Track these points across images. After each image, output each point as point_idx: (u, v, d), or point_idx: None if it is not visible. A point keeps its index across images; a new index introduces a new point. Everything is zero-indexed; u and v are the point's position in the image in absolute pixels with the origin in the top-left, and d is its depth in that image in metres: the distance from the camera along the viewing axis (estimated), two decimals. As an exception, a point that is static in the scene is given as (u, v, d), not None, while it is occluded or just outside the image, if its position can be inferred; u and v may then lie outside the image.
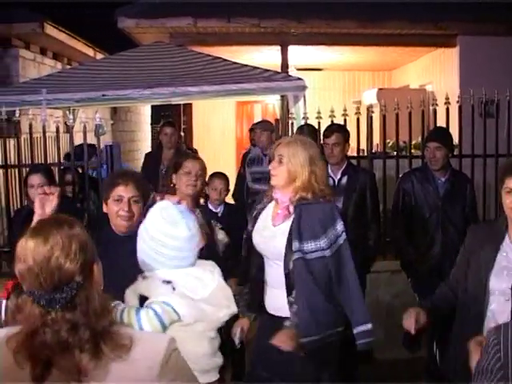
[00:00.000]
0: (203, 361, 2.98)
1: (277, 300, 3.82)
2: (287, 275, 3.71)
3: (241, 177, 8.06)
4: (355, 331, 3.75)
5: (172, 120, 9.34)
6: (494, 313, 3.36)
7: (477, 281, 3.42)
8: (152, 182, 6.11)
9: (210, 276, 2.98)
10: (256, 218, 3.95)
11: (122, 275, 2.97)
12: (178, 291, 2.87)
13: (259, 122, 8.57)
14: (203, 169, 4.52)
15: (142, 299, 2.91)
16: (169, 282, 2.88)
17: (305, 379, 3.74)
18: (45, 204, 3.24)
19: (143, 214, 3.29)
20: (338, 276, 3.72)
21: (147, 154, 8.50)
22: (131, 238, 3.36)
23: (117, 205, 3.55)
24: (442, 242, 5.60)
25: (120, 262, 3.10)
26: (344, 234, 3.74)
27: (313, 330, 3.68)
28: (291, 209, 3.76)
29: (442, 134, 5.76)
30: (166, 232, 2.90)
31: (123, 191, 3.55)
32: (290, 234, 3.72)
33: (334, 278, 3.71)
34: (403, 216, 5.77)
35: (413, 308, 3.59)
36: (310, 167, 3.73)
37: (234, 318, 3.89)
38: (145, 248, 2.95)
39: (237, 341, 3.94)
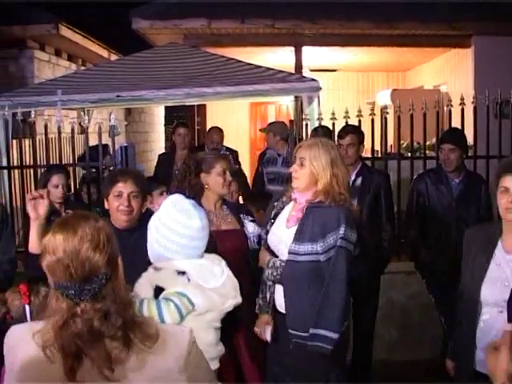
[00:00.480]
0: (210, 349, 3.06)
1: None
2: None
3: (259, 176, 8.03)
4: (312, 331, 3.65)
5: (185, 121, 9.38)
6: (486, 324, 3.32)
7: (469, 290, 3.40)
8: (165, 183, 6.14)
9: (219, 268, 3.09)
10: (274, 218, 3.97)
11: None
12: (193, 281, 2.97)
13: (272, 124, 8.53)
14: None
15: (157, 290, 2.99)
16: (183, 273, 2.98)
17: (312, 377, 3.75)
18: (37, 207, 3.34)
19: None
20: (327, 279, 3.68)
21: (161, 155, 8.53)
22: (131, 232, 3.58)
23: (117, 200, 3.71)
24: (455, 243, 5.57)
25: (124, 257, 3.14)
26: (344, 240, 3.67)
27: (298, 327, 3.70)
28: (304, 211, 3.78)
29: (457, 136, 5.73)
30: (179, 221, 3.00)
31: (123, 187, 3.72)
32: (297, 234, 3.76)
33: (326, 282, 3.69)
34: (417, 217, 5.75)
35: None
36: (332, 170, 3.73)
37: (253, 317, 3.93)
38: (157, 237, 3.04)
39: (269, 338, 3.95)
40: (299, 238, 3.71)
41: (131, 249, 3.14)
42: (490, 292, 3.29)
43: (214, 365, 3.10)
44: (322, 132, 6.31)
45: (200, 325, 2.96)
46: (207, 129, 10.42)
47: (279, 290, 3.86)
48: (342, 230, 3.64)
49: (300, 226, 3.74)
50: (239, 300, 3.15)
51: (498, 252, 3.33)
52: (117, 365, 1.93)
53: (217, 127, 8.14)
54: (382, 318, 5.86)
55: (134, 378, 1.96)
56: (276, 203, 4.05)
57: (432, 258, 5.65)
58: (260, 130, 8.92)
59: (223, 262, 3.15)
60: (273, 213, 4.01)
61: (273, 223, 3.97)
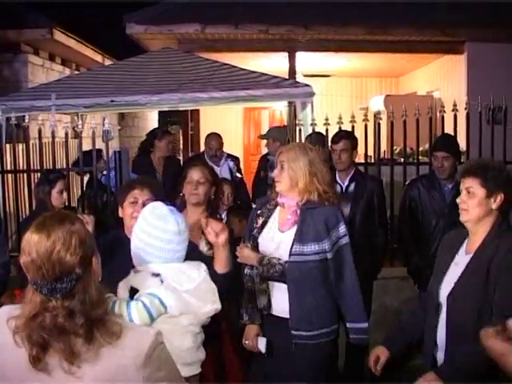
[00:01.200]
0: (186, 354, 3.09)
1: (283, 301, 3.87)
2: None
3: (261, 180, 7.90)
4: (349, 326, 3.89)
5: (168, 129, 9.32)
6: (442, 323, 3.36)
7: (431, 289, 3.46)
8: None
9: (196, 271, 3.10)
10: (263, 227, 3.99)
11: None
12: (166, 283, 2.99)
13: (271, 130, 8.51)
14: (206, 176, 4.56)
15: (133, 292, 3.02)
16: (157, 275, 3.01)
17: (302, 378, 3.81)
18: None
19: None
20: (337, 276, 3.83)
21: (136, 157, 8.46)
22: None
23: (132, 207, 3.71)
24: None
25: (128, 263, 3.18)
26: (347, 236, 3.86)
27: (303, 326, 3.80)
28: (299, 213, 3.84)
29: (450, 143, 5.73)
30: (156, 225, 3.05)
31: (139, 194, 3.73)
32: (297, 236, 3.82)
33: (334, 278, 3.83)
34: (410, 223, 5.77)
35: (375, 349, 3.70)
36: (310, 169, 3.83)
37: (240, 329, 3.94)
38: (136, 242, 3.10)
39: (263, 349, 3.95)
40: (301, 239, 3.78)
41: None
42: (445, 292, 3.33)
43: (193, 370, 3.14)
44: (316, 138, 6.33)
45: (174, 328, 3.00)
46: (201, 134, 10.43)
47: (277, 294, 3.88)
48: (342, 227, 3.83)
49: (299, 227, 3.80)
50: (218, 306, 3.16)
51: (460, 252, 3.40)
52: (76, 358, 2.04)
53: (215, 133, 7.95)
54: (375, 324, 5.84)
55: (89, 369, 2.05)
56: (260, 211, 4.08)
57: (424, 263, 5.65)
58: (259, 137, 8.87)
59: (202, 266, 3.17)
60: (260, 221, 4.03)
61: (261, 231, 3.99)
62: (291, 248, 3.78)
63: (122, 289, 3.07)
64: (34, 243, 2.07)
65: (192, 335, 3.12)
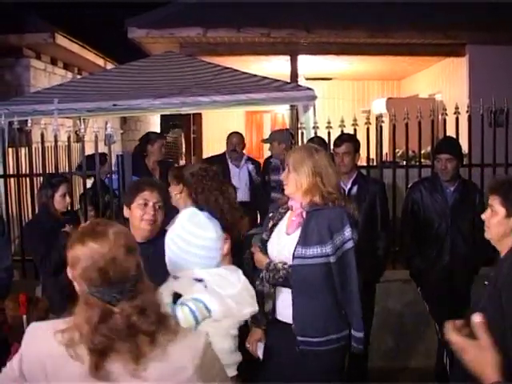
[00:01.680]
0: (226, 356, 3.09)
1: (287, 307, 3.86)
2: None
3: (265, 184, 7.95)
4: (354, 334, 3.83)
5: (170, 132, 9.38)
6: None
7: None
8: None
9: (235, 276, 3.17)
10: (272, 230, 4.00)
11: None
12: (210, 288, 3.04)
13: (275, 133, 8.53)
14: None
15: (176, 297, 3.05)
16: (201, 281, 3.05)
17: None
18: None
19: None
20: (341, 281, 3.77)
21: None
22: (151, 243, 3.54)
23: (142, 209, 3.64)
24: (450, 251, 5.61)
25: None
26: (352, 240, 3.78)
27: (308, 332, 3.77)
28: (304, 215, 3.84)
29: (453, 145, 5.75)
30: (196, 233, 3.08)
31: (149, 196, 3.66)
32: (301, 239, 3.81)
33: (337, 283, 3.77)
34: (412, 225, 5.77)
35: None
36: (314, 170, 3.81)
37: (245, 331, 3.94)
38: (174, 249, 3.11)
39: (260, 355, 3.96)
40: (304, 241, 3.75)
41: (150, 260, 3.15)
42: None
43: (231, 372, 3.14)
44: (318, 142, 6.34)
45: (217, 332, 3.04)
46: (203, 137, 10.47)
47: (283, 299, 3.88)
48: (348, 231, 3.75)
49: (304, 230, 3.78)
50: (256, 308, 3.21)
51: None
52: (142, 358, 2.04)
53: (236, 132, 8.28)
54: (377, 326, 5.86)
55: (153, 369, 2.05)
56: (271, 214, 4.09)
57: (427, 265, 5.66)
58: (262, 141, 8.85)
59: (240, 271, 3.22)
60: (270, 224, 4.03)
61: (270, 234, 4.00)
62: (294, 251, 3.76)
63: (165, 294, 3.02)
64: (94, 248, 2.06)
65: (232, 338, 3.20)
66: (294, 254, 3.76)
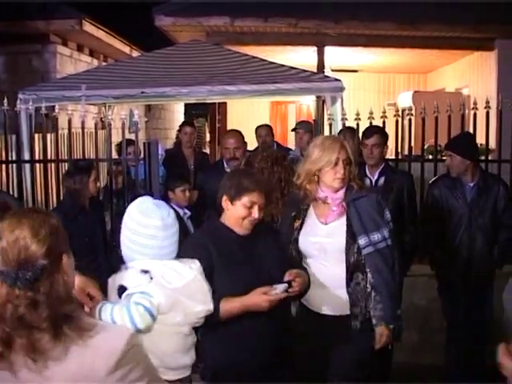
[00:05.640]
0: (171, 359, 3.03)
1: (329, 298, 3.87)
2: (348, 268, 3.83)
3: None
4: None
5: (193, 120, 9.49)
6: None
7: None
8: (187, 181, 6.20)
9: (188, 270, 3.05)
10: (301, 227, 3.95)
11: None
12: (155, 280, 2.93)
13: (302, 123, 8.54)
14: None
15: (122, 290, 2.95)
16: (146, 272, 2.95)
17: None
18: None
19: None
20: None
21: (166, 151, 8.66)
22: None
23: (247, 210, 3.56)
24: (468, 247, 5.55)
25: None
26: (391, 223, 3.95)
27: (395, 317, 3.87)
28: (345, 205, 3.86)
29: (457, 142, 5.68)
30: (139, 221, 3.01)
31: (257, 198, 3.57)
32: (350, 229, 3.83)
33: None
34: (432, 221, 5.72)
35: None
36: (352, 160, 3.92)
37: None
38: (123, 239, 3.07)
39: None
40: (365, 229, 3.81)
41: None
42: None
43: (179, 374, 3.07)
44: (349, 132, 6.30)
45: (162, 328, 2.95)
46: (228, 127, 10.47)
47: (326, 293, 3.87)
48: (387, 214, 3.94)
49: (357, 219, 3.83)
50: (210, 307, 3.11)
51: None
52: (40, 355, 1.95)
53: (263, 124, 8.44)
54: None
55: (57, 369, 1.96)
56: (294, 213, 4.02)
57: (444, 262, 5.62)
58: (293, 130, 8.82)
59: (198, 266, 3.12)
60: (297, 223, 3.98)
61: (300, 231, 3.96)
62: (352, 241, 3.80)
63: (111, 289, 3.00)
64: (4, 229, 2.04)
65: (180, 337, 3.05)
66: (358, 243, 3.80)
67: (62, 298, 2.03)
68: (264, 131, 8.11)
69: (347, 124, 6.63)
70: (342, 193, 3.86)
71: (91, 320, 2.13)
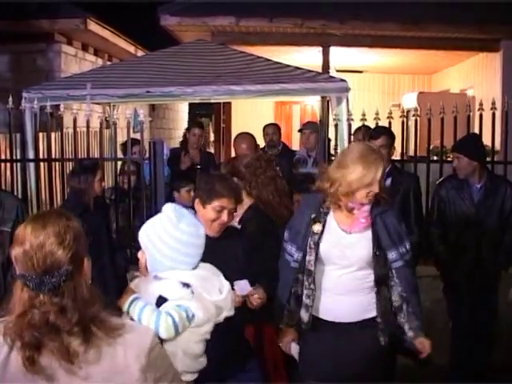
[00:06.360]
0: (195, 361, 3.06)
1: (346, 306, 3.84)
2: (377, 282, 3.81)
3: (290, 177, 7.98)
4: None
5: (202, 121, 9.53)
6: None
7: None
8: (193, 181, 6.20)
9: (217, 279, 3.11)
10: (322, 232, 3.89)
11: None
12: (196, 294, 2.94)
13: (308, 123, 8.55)
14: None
15: (161, 300, 2.94)
16: (188, 286, 2.94)
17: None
18: None
19: None
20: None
21: (172, 150, 8.65)
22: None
23: (217, 213, 3.72)
24: (475, 248, 5.53)
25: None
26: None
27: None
28: (371, 218, 3.82)
29: (464, 143, 5.66)
30: (189, 231, 3.00)
31: (227, 203, 3.73)
32: (377, 242, 3.79)
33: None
34: (438, 223, 5.70)
35: None
36: None
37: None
38: (161, 247, 2.99)
39: (296, 355, 3.89)
40: (392, 243, 3.80)
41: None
42: None
43: (192, 376, 3.09)
44: (366, 131, 6.27)
45: (192, 336, 2.97)
46: (232, 127, 10.47)
47: (342, 301, 3.85)
48: (404, 227, 3.95)
49: (382, 231, 3.80)
50: (232, 312, 3.16)
51: None
52: (75, 358, 1.99)
53: (270, 123, 8.61)
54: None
55: (92, 369, 2.01)
56: (314, 215, 3.91)
57: (452, 262, 5.60)
58: (300, 130, 8.80)
59: (221, 275, 3.16)
60: (318, 227, 3.87)
61: (321, 236, 3.88)
62: (388, 255, 3.79)
63: (148, 294, 2.98)
64: (28, 233, 2.04)
65: (204, 343, 3.08)
66: (389, 257, 3.79)
67: (87, 301, 2.07)
68: (271, 130, 8.20)
69: (353, 124, 6.61)
70: (369, 206, 3.80)
71: (117, 319, 2.18)
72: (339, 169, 3.76)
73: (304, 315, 3.88)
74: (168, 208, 3.07)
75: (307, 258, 3.85)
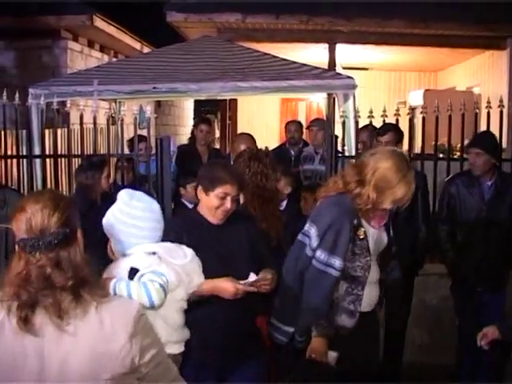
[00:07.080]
0: (179, 331, 3.26)
1: (373, 294, 3.85)
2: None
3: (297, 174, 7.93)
4: None
5: (208, 117, 9.52)
6: None
7: None
8: (195, 174, 6.15)
9: (185, 248, 3.33)
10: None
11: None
12: (163, 260, 3.13)
13: (316, 120, 8.54)
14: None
15: (133, 272, 3.08)
16: (154, 253, 3.13)
17: None
18: None
19: None
20: None
21: (180, 147, 8.69)
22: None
23: (220, 201, 3.69)
24: (484, 246, 5.50)
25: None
26: None
27: None
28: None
29: (483, 140, 5.60)
30: (144, 207, 3.19)
31: (230, 189, 3.70)
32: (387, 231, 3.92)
33: None
34: (448, 220, 5.68)
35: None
36: None
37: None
38: (123, 228, 3.16)
39: (334, 360, 3.70)
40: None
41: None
42: None
43: (179, 348, 3.27)
44: (372, 130, 6.25)
45: (172, 305, 3.15)
46: (238, 124, 10.46)
47: (372, 290, 3.85)
48: None
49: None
50: (202, 279, 3.35)
51: None
52: (65, 314, 2.10)
53: (293, 120, 8.67)
54: (413, 320, 5.80)
55: (80, 326, 2.11)
56: (356, 221, 3.74)
57: (461, 260, 5.58)
58: (307, 127, 8.73)
59: (184, 246, 3.34)
60: (361, 232, 3.74)
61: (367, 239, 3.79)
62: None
63: (122, 270, 3.10)
64: (26, 201, 2.21)
65: (182, 312, 3.27)
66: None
67: (80, 265, 2.18)
68: (294, 127, 8.22)
69: (360, 121, 6.59)
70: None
71: (105, 289, 2.37)
72: (385, 189, 3.61)
73: (347, 321, 3.73)
74: (121, 192, 3.29)
75: (351, 264, 3.71)
